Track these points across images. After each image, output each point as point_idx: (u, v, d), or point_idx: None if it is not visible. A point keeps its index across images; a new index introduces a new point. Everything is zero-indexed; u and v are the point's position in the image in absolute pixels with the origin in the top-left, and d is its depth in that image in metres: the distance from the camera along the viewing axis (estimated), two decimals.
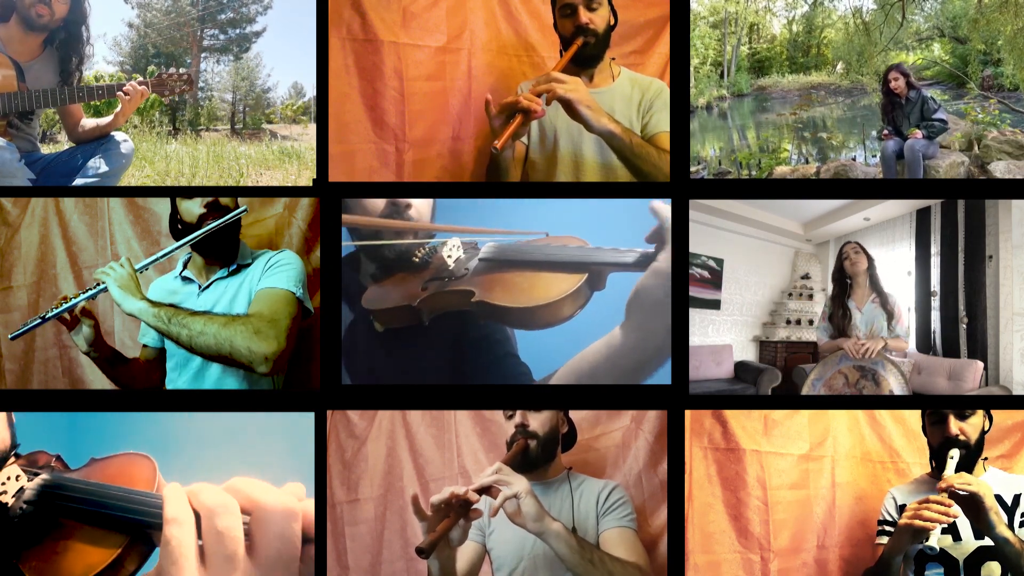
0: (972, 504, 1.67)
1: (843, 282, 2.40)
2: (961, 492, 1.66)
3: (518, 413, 1.76)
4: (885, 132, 2.35)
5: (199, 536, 0.91)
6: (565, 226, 1.70)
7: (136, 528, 1.01)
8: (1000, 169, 2.23)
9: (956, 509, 1.66)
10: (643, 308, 1.43)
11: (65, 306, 1.85)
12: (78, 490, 1.03)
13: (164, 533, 0.89)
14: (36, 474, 1.05)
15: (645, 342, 1.44)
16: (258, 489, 0.94)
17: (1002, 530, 1.66)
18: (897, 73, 2.34)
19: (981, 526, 1.68)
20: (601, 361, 1.47)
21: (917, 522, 1.66)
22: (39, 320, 1.84)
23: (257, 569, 0.91)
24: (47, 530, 1.01)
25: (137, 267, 1.86)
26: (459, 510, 1.54)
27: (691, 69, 2.15)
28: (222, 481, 0.96)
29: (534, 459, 1.75)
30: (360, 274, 1.84)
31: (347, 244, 1.88)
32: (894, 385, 2.23)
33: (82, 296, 1.86)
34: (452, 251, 1.68)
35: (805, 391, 2.29)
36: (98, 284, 1.86)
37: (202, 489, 0.92)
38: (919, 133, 2.28)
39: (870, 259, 2.39)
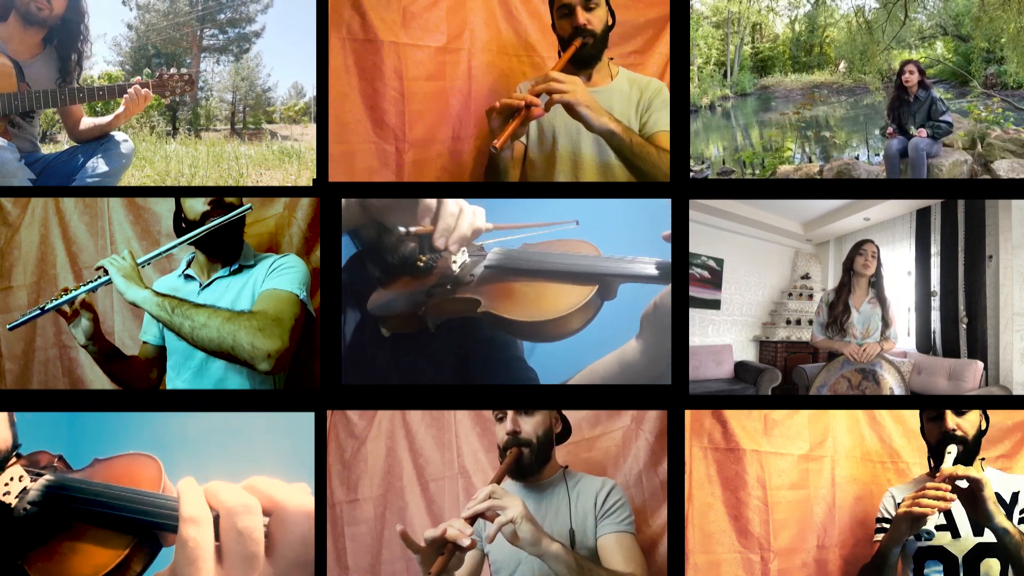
0: (971, 495, 1.67)
1: (850, 273, 2.41)
2: (959, 483, 1.66)
3: (508, 418, 1.71)
4: (889, 130, 2.34)
5: (217, 536, 0.90)
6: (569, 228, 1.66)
7: (142, 528, 1.01)
8: (1003, 168, 2.22)
9: (953, 496, 1.66)
10: (661, 321, 1.41)
11: (66, 297, 1.85)
12: (83, 491, 1.03)
13: (180, 532, 0.89)
14: (39, 474, 1.05)
15: (662, 356, 1.42)
16: (279, 489, 0.93)
17: (1001, 520, 1.67)
18: (913, 67, 2.32)
19: (980, 517, 1.68)
20: (615, 375, 1.44)
21: (916, 509, 1.66)
22: (38, 311, 1.84)
23: (275, 570, 0.90)
24: (52, 531, 1.02)
25: (138, 261, 1.86)
26: (455, 545, 1.46)
27: (694, 69, 2.15)
28: (230, 480, 0.95)
29: (528, 466, 1.72)
30: (369, 274, 1.84)
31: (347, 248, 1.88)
32: (893, 384, 2.23)
33: (83, 288, 1.85)
34: (457, 256, 1.65)
35: None
36: (99, 276, 1.85)
37: (221, 488, 0.91)
38: (924, 132, 2.27)
39: (879, 269, 2.39)
